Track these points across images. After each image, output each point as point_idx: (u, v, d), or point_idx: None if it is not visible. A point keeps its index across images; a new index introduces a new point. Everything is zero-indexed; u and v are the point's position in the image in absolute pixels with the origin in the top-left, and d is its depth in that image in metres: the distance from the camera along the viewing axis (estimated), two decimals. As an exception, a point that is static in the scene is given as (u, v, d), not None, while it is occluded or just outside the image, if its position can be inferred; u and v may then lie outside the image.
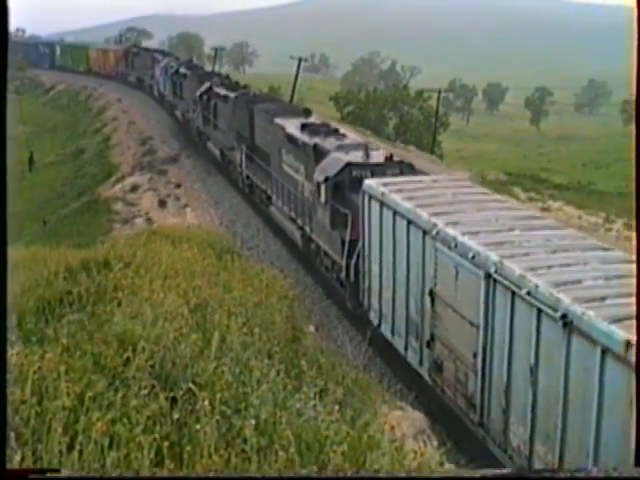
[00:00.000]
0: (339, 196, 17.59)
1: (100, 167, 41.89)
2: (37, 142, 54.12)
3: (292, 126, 22.04)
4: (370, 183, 15.75)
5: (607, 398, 8.34)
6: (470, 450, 11.68)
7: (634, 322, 5.64)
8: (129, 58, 71.24)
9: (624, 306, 8.26)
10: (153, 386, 7.04)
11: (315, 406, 7.49)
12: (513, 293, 10.21)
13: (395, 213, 14.27)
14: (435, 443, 10.27)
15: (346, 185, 17.51)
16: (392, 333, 14.92)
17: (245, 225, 26.85)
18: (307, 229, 20.23)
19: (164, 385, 7.29)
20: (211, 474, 5.80)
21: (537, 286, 9.71)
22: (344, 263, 17.02)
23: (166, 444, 6.10)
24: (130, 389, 6.95)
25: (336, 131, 21.60)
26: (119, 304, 9.76)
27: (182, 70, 44.56)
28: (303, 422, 6.99)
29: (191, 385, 7.16)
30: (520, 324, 10.12)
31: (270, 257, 22.95)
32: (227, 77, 39.91)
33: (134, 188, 32.87)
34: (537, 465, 9.65)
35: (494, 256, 10.83)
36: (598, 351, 8.44)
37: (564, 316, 9.01)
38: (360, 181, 16.50)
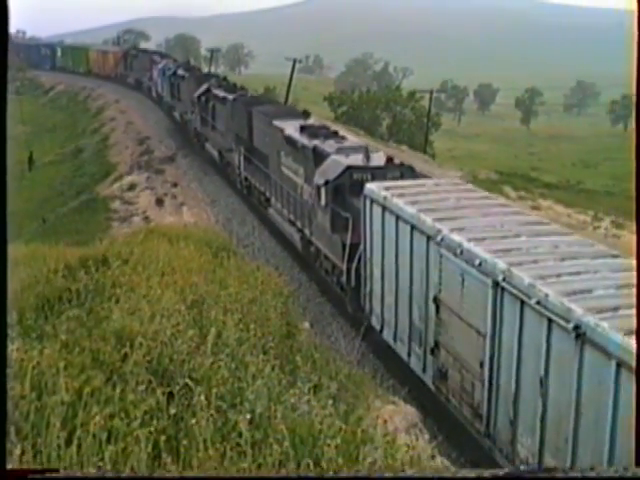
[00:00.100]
0: (339, 199, 17.44)
1: (98, 166, 41.89)
2: (37, 142, 54.07)
3: (291, 128, 21.84)
4: (372, 187, 15.50)
5: (622, 413, 8.04)
6: (461, 444, 11.80)
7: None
8: (128, 60, 71.07)
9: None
10: (150, 381, 7.15)
11: (309, 401, 7.56)
12: (522, 302, 9.93)
13: (398, 218, 14.01)
14: (427, 436, 10.39)
15: (346, 188, 17.37)
16: (394, 339, 14.72)
17: (241, 223, 26.89)
18: (307, 232, 20.08)
19: (161, 380, 7.39)
20: (211, 474, 5.90)
21: (547, 295, 9.44)
22: (345, 267, 16.85)
23: (163, 438, 6.21)
24: (128, 384, 7.06)
25: (335, 133, 21.33)
26: (117, 301, 9.85)
27: (180, 72, 44.31)
28: (297, 416, 7.07)
29: (188, 380, 7.26)
30: (529, 334, 9.86)
31: (265, 255, 22.99)
32: (225, 79, 39.75)
33: (132, 187, 32.89)
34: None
35: (502, 264, 10.55)
36: (613, 364, 8.19)
37: (577, 327, 8.77)
38: (361, 184, 16.30)
